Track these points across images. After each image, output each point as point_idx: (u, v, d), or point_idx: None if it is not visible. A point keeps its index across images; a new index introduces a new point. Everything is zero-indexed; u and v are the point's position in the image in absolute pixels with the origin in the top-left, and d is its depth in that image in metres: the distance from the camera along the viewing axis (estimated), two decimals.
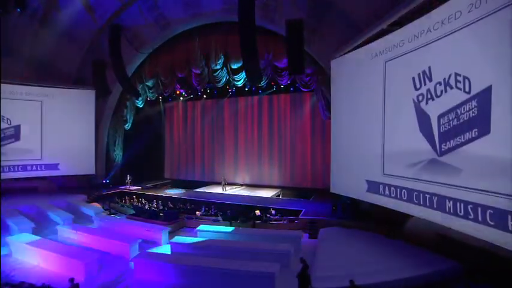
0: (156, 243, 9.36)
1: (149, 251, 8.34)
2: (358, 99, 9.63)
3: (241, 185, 18.05)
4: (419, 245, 8.06)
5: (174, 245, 8.46)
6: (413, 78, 7.40)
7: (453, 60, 6.24)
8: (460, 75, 6.08)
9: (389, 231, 9.06)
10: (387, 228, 9.19)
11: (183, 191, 16.53)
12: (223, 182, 17.18)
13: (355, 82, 9.76)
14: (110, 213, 12.65)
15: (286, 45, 11.38)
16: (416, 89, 7.33)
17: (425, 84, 7.06)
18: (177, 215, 11.70)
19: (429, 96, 6.93)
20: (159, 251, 8.45)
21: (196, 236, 9.52)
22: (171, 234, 9.96)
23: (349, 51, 10.20)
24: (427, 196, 7.00)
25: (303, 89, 14.04)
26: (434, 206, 6.79)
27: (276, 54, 13.49)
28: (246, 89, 17.15)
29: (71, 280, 5.42)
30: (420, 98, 7.22)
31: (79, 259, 7.07)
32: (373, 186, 9.08)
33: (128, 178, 17.34)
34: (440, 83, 6.60)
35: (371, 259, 7.48)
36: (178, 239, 8.88)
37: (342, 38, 10.68)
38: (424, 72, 7.08)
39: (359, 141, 9.61)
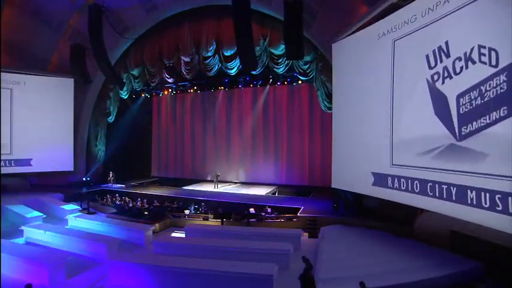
0: (138, 244, 8.64)
1: (129, 252, 7.50)
2: (362, 84, 9.04)
3: (235, 183, 17.52)
4: (432, 243, 7.52)
5: (157, 245, 7.79)
6: (427, 56, 6.81)
7: (476, 31, 5.66)
8: (484, 47, 5.50)
9: (397, 228, 8.62)
10: (395, 226, 8.75)
11: (171, 189, 16.05)
12: (215, 179, 16.51)
13: (360, 66, 9.17)
14: (89, 213, 11.75)
15: (284, 27, 10.71)
16: (431, 68, 6.74)
17: (441, 61, 6.48)
18: (163, 214, 11.06)
19: (446, 74, 6.35)
20: (141, 252, 7.76)
21: (184, 236, 8.95)
22: (157, 234, 9.21)
23: (353, 33, 9.60)
24: (444, 187, 6.41)
25: (301, 78, 13.46)
26: (453, 197, 6.20)
27: (273, 39, 12.92)
28: (240, 86, 16.44)
29: (27, 286, 4.57)
30: (435, 77, 6.63)
31: (43, 262, 6.19)
32: (380, 179, 8.48)
33: (111, 175, 16.56)
34: (459, 59, 6.02)
35: (379, 259, 6.95)
36: (163, 238, 8.14)
37: (344, 20, 10.07)
38: (440, 48, 6.50)
39: (364, 130, 9.03)
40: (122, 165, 17.94)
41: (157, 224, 10.13)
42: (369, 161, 8.86)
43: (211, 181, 17.02)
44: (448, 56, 6.31)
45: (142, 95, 18.81)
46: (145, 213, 11.13)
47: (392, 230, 8.65)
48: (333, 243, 8.12)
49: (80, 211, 11.76)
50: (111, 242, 7.69)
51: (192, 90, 18.13)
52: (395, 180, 7.89)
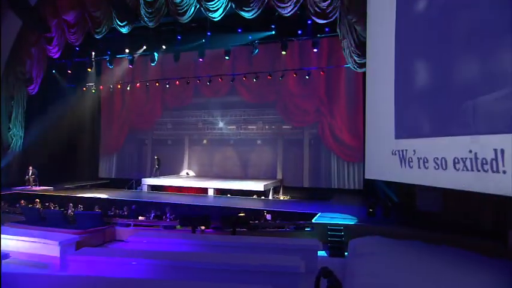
0: (48, 262, 7.74)
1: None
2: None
3: (221, 177, 17.47)
4: None
5: (77, 262, 6.86)
6: None
7: None
8: None
9: (475, 243, 7.66)
10: (473, 239, 7.85)
11: (125, 191, 16.52)
12: (156, 163, 17.45)
13: None
14: None
15: None
16: None
17: None
18: (101, 220, 10.22)
19: None
20: (47, 274, 7.03)
21: (129, 249, 8.05)
22: (86, 248, 8.24)
23: None
24: None
25: (318, 21, 12.29)
26: None
27: None
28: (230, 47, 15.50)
29: None
30: None
31: None
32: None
33: (30, 173, 15.65)
34: None
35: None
36: (91, 252, 7.26)
37: None
38: None
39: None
40: (50, 161, 17.04)
41: (88, 235, 9.24)
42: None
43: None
44: None
45: (85, 57, 17.70)
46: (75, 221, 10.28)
47: (467, 245, 7.63)
48: (370, 261, 7.15)
49: None
50: None
51: (159, 48, 16.94)
52: None
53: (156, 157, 17.73)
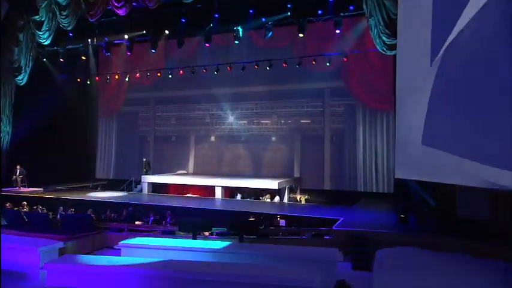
0: (25, 271, 7.64)
1: None
2: None
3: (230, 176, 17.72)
4: None
5: (55, 272, 6.79)
6: None
7: None
8: None
9: None
10: None
11: (124, 193, 16.78)
12: (144, 167, 17.67)
13: None
14: None
15: None
16: None
17: None
18: (91, 225, 10.29)
19: None
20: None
21: (118, 257, 8.01)
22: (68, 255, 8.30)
23: None
24: None
25: None
26: None
27: None
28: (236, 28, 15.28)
29: None
30: None
31: None
32: None
33: (18, 173, 15.81)
34: None
35: None
36: (67, 259, 7.28)
37: None
38: None
39: None
40: (40, 160, 17.19)
41: (75, 241, 9.28)
42: None
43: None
44: None
45: (81, 44, 17.91)
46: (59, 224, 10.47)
47: None
48: (402, 276, 6.96)
49: None
50: None
51: (161, 35, 17.01)
52: None
53: (144, 160, 18.03)
